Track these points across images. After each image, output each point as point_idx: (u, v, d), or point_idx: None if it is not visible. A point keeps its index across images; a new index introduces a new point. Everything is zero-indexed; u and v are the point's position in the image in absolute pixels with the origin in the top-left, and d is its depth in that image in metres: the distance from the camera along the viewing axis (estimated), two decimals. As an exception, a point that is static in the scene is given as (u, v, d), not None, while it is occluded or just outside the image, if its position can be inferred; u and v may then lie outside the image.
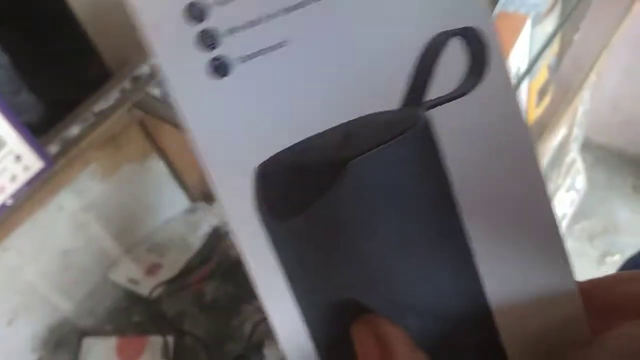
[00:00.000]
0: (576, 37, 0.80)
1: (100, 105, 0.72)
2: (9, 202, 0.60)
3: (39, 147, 0.61)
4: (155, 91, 0.71)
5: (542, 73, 0.77)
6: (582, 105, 1.06)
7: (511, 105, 0.17)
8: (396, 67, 0.16)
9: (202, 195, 0.89)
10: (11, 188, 0.60)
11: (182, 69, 0.16)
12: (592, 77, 0.91)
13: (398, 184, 0.17)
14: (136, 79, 0.73)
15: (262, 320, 0.67)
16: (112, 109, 0.71)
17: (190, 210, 0.85)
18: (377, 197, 0.17)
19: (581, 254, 1.37)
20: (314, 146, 0.17)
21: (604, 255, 1.37)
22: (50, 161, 0.63)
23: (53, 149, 0.68)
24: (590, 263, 1.36)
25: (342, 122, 0.17)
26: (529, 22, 0.64)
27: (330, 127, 0.17)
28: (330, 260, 0.17)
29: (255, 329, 0.66)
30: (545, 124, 0.83)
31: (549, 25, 0.70)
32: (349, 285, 0.18)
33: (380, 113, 0.17)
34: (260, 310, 0.72)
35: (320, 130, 0.17)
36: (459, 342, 0.19)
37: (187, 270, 0.75)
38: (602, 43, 0.82)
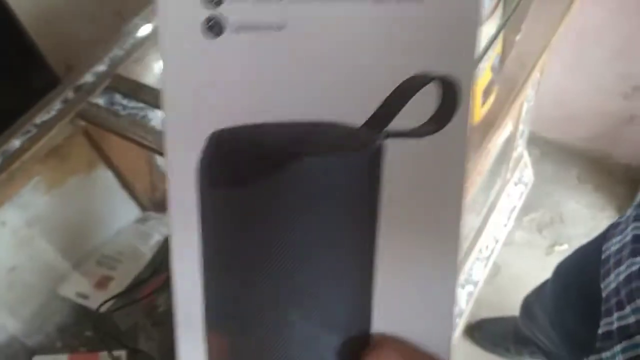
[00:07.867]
0: (518, 37, 0.82)
1: (42, 116, 0.69)
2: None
3: (-25, 163, 0.58)
4: (100, 100, 0.69)
5: (486, 73, 0.79)
6: (527, 102, 1.09)
7: (459, 158, 0.18)
8: (372, 90, 0.17)
9: (153, 204, 0.87)
10: (-53, 207, 0.57)
11: (181, 20, 0.16)
12: (535, 75, 0.94)
13: (336, 191, 0.18)
14: (79, 88, 0.71)
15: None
16: (55, 119, 0.69)
17: (141, 220, 0.83)
18: (313, 196, 0.17)
19: (531, 245, 1.42)
20: (273, 132, 0.17)
21: (552, 245, 1.42)
22: (-12, 177, 0.61)
23: (-8, 163, 0.65)
24: (540, 253, 1.41)
25: (306, 118, 0.17)
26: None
27: (293, 119, 0.17)
28: (249, 241, 0.18)
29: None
30: (492, 122, 0.85)
31: (491, 27, 0.72)
32: (256, 267, 0.18)
33: (342, 125, 0.17)
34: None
35: (283, 119, 0.17)
36: (330, 351, 0.19)
37: (138, 282, 0.73)
38: (543, 43, 0.85)
